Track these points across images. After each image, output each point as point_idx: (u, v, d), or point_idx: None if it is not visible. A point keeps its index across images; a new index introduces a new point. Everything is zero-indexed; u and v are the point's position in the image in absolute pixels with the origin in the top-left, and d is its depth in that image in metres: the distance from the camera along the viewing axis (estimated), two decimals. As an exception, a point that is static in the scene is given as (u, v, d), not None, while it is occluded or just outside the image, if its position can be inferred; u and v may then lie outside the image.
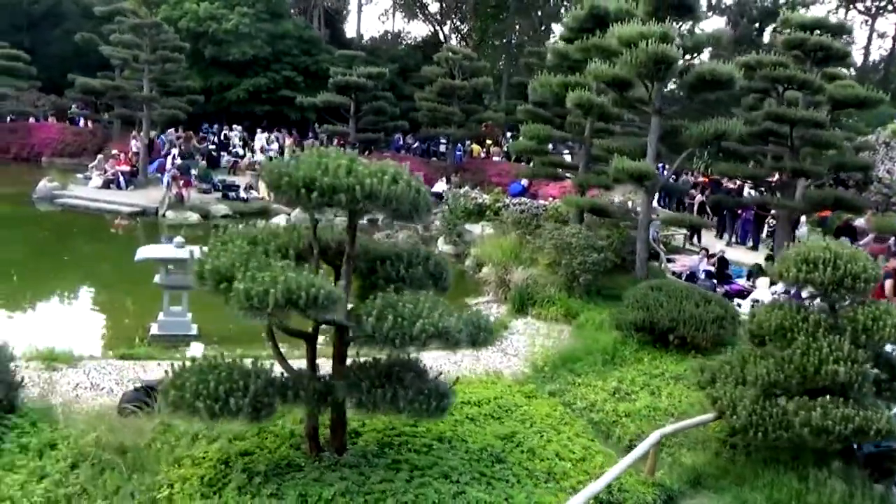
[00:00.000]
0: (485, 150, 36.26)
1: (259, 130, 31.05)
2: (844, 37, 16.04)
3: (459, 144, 32.61)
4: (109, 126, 31.23)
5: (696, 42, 13.32)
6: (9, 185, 24.40)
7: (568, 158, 21.48)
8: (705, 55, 17.89)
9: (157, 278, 10.27)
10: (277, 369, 5.48)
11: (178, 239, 10.40)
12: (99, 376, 8.08)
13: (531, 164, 20.48)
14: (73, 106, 34.42)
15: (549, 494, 5.64)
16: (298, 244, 5.82)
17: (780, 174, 15.28)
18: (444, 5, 44.22)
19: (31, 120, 31.80)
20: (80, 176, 24.41)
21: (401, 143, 34.56)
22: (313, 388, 5.18)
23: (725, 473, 6.70)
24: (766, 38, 35.36)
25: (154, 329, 10.33)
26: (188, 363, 5.19)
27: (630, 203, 17.96)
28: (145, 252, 10.30)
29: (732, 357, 7.26)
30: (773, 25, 34.33)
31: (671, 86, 16.05)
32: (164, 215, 20.05)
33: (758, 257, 17.67)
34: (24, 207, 20.47)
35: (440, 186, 26.04)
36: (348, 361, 5.69)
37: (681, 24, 13.88)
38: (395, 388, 5.06)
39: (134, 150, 25.52)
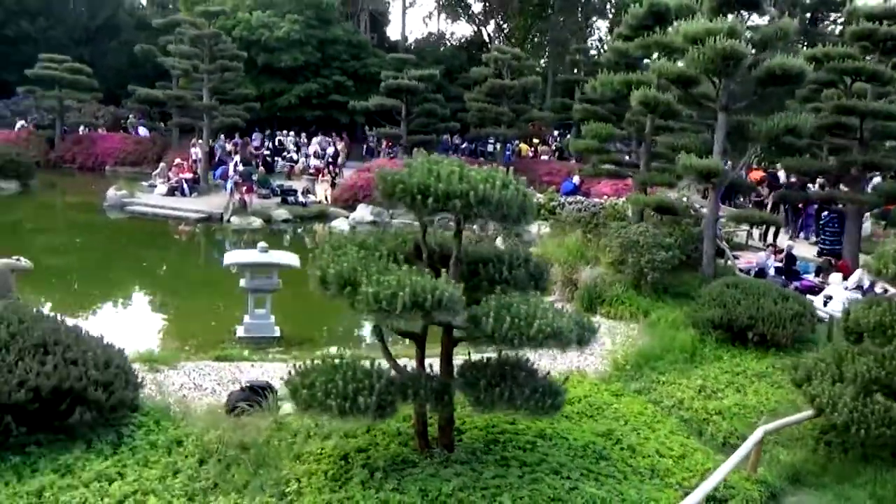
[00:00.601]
0: (532, 149, 36.33)
1: (314, 135, 31.61)
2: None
3: (508, 144, 32.77)
4: (167, 135, 32.19)
5: (764, 36, 13.19)
6: (79, 195, 25.38)
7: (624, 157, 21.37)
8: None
9: (242, 282, 10.63)
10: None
11: (262, 244, 10.75)
12: (199, 377, 8.43)
13: (590, 163, 20.49)
14: (131, 116, 35.55)
15: (656, 490, 5.75)
16: (405, 248, 6.04)
17: (849, 168, 15.02)
18: (487, 5, 44.25)
19: (99, 130, 32.83)
20: (144, 184, 25.19)
21: (448, 143, 34.82)
22: (430, 387, 5.39)
23: (824, 471, 6.72)
24: (820, 27, 34.61)
25: (240, 331, 10.69)
26: (311, 363, 5.43)
27: (685, 199, 17.87)
28: (232, 257, 10.67)
29: (827, 355, 7.26)
30: (835, 16, 33.75)
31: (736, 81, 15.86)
32: (228, 220, 20.59)
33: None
34: (96, 215, 21.26)
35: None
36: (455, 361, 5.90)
37: (747, 18, 13.76)
38: (511, 386, 5.23)
39: (194, 157, 26.27)
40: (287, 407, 7.35)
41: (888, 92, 14.89)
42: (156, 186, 24.65)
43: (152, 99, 28.35)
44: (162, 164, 26.15)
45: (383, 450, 5.92)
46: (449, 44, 46.47)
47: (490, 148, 35.97)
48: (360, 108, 28.10)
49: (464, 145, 36.45)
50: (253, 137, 30.51)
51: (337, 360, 5.36)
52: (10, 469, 5.22)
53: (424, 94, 27.74)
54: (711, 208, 13.86)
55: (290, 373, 5.45)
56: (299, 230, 21.79)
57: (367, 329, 13.04)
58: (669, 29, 13.66)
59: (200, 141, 27.79)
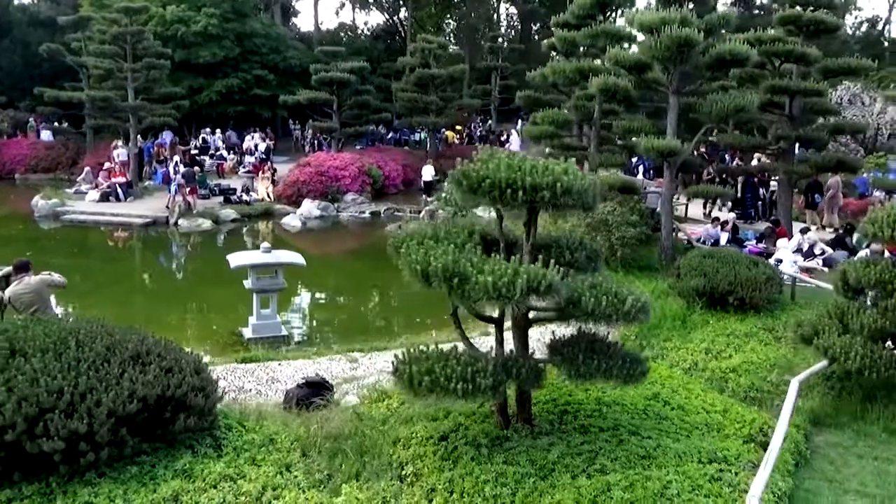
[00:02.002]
0: (458, 136, 36.93)
1: (232, 131, 30.96)
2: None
3: (435, 133, 33.19)
4: (74, 138, 30.49)
5: (709, 24, 14.19)
6: (-2, 206, 23.94)
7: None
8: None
9: (247, 283, 10.63)
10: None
11: (265, 245, 10.78)
12: (235, 379, 8.50)
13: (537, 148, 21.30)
14: (31, 119, 33.57)
15: (720, 441, 6.40)
16: (476, 238, 6.40)
17: (780, 142, 16.37)
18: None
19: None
20: (69, 191, 24.10)
21: (376, 134, 34.84)
22: (529, 365, 5.81)
23: (838, 412, 7.60)
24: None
25: (247, 333, 10.71)
26: (415, 352, 5.72)
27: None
28: (239, 259, 10.63)
29: (829, 310, 8.15)
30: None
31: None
32: (175, 224, 20.07)
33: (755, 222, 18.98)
34: (29, 226, 20.21)
35: (428, 175, 26.57)
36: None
37: (692, 7, 14.73)
38: (604, 358, 5.73)
39: (117, 160, 25.26)
40: (348, 399, 7.62)
41: (810, 72, 16.30)
42: (83, 192, 23.65)
43: (65, 101, 26.83)
44: (87, 169, 25.10)
45: (472, 429, 6.30)
46: (361, 34, 46.33)
47: (415, 137, 36.38)
48: (292, 101, 27.75)
49: (389, 135, 36.66)
50: (163, 137, 29.23)
51: (440, 348, 5.69)
52: (131, 479, 5.26)
53: (356, 86, 27.70)
54: (668, 185, 14.83)
55: (397, 361, 5.72)
56: (245, 228, 21.49)
57: (369, 321, 13.36)
58: (621, 18, 14.44)
59: (121, 143, 26.80)
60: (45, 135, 31.97)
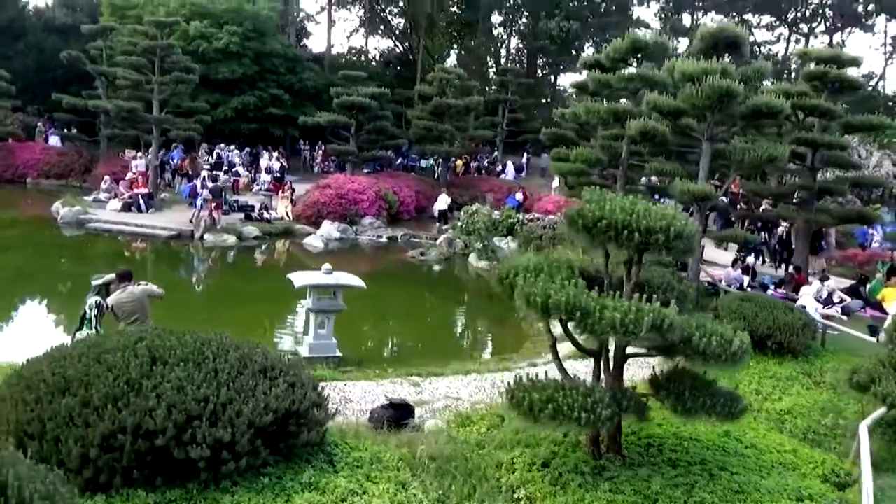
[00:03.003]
0: (465, 165, 37.45)
1: (243, 148, 31.27)
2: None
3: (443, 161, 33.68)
4: (82, 145, 30.57)
5: (745, 76, 14.81)
6: (10, 209, 23.91)
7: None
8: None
9: (307, 303, 10.88)
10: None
11: (326, 266, 11.04)
12: (309, 398, 8.70)
13: (562, 184, 21.88)
14: (39, 124, 33.64)
15: (800, 480, 6.75)
16: (577, 274, 6.75)
17: (802, 191, 17.00)
18: (412, 23, 45.02)
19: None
20: (88, 199, 24.18)
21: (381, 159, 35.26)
22: (635, 399, 6.14)
23: (894, 457, 8.00)
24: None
25: (304, 352, 10.92)
26: (526, 380, 6.03)
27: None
28: (301, 279, 10.87)
29: (881, 360, 8.57)
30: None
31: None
32: (201, 238, 20.23)
33: (771, 268, 19.50)
34: (53, 232, 20.28)
35: (443, 203, 26.99)
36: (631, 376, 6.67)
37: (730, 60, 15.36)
38: (705, 396, 6.08)
39: (134, 170, 25.41)
40: (431, 423, 7.88)
41: (830, 126, 17.00)
42: (103, 201, 23.76)
43: (81, 108, 26.92)
44: (107, 178, 25.16)
45: (569, 457, 6.59)
46: (373, 59, 46.96)
47: (423, 164, 36.87)
48: (311, 122, 28.13)
49: (398, 161, 37.08)
50: (172, 152, 29.31)
51: (552, 379, 6.01)
52: (265, 489, 5.48)
53: (375, 111, 28.16)
54: (697, 228, 15.30)
55: (513, 389, 6.02)
56: (265, 246, 21.71)
57: (412, 345, 13.61)
58: (665, 65, 15.00)
59: (140, 154, 27.00)
60: (53, 140, 32.06)
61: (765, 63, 14.98)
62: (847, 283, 17.57)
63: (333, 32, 68.77)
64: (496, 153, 39.37)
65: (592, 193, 6.66)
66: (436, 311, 16.77)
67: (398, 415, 7.70)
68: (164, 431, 5.23)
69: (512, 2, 43.95)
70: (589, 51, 47.34)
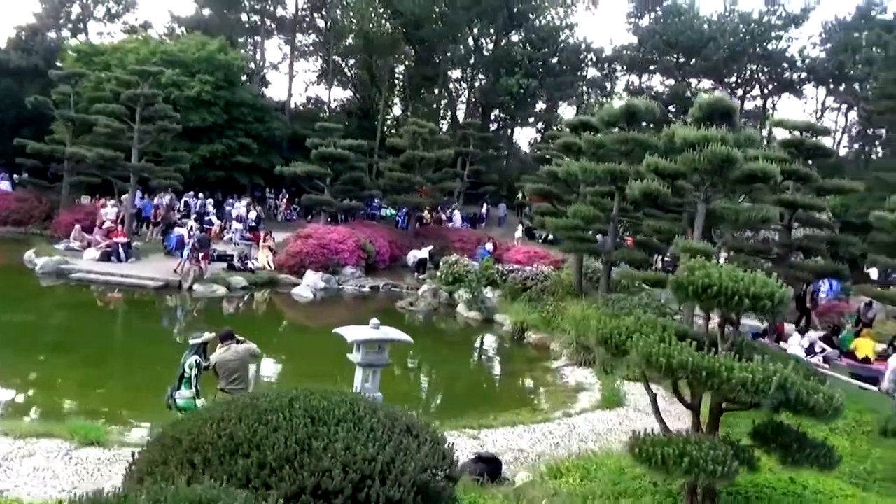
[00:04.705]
0: (431, 215, 38.11)
1: (200, 197, 31.07)
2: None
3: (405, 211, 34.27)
4: (35, 190, 29.70)
5: (737, 142, 16.01)
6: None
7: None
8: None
9: (354, 357, 11.02)
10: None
11: (374, 321, 11.21)
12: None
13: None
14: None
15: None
16: (672, 334, 7.29)
17: (780, 248, 18.28)
18: (374, 77, 45.94)
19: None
20: (59, 247, 23.45)
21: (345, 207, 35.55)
22: (744, 451, 6.65)
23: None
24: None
25: (351, 406, 11.02)
26: (651, 432, 6.47)
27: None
28: (351, 334, 11.01)
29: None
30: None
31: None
32: (190, 289, 19.95)
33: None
34: (33, 283, 19.61)
35: (424, 253, 27.43)
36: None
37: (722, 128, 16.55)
38: (810, 448, 6.65)
39: (104, 218, 24.93)
40: (522, 475, 8.19)
41: (801, 188, 18.40)
42: (75, 250, 23.15)
43: (80, 157, 26.17)
44: (77, 227, 24.51)
45: (675, 507, 7.03)
46: (334, 109, 47.49)
47: (384, 213, 37.37)
48: (288, 172, 28.30)
49: (362, 212, 37.43)
50: (146, 201, 28.81)
51: (676, 434, 6.47)
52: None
53: (352, 162, 28.57)
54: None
55: (633, 443, 6.45)
56: (253, 295, 21.59)
57: (443, 396, 13.78)
58: (664, 130, 16.07)
59: (113, 201, 26.51)
60: (4, 185, 31.09)
61: (754, 132, 16.22)
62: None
63: (294, 82, 69.52)
64: (456, 204, 40.25)
65: (695, 262, 7.21)
66: (450, 363, 17.03)
67: (490, 468, 7.98)
68: (341, 491, 5.40)
69: (473, 59, 45.48)
70: (540, 106, 49.34)
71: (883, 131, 43.19)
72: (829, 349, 17.03)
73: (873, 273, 25.06)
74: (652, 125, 19.89)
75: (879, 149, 44.54)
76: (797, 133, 17.93)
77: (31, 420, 8.83)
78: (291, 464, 5.49)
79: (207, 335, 7.89)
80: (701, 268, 7.03)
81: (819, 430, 11.04)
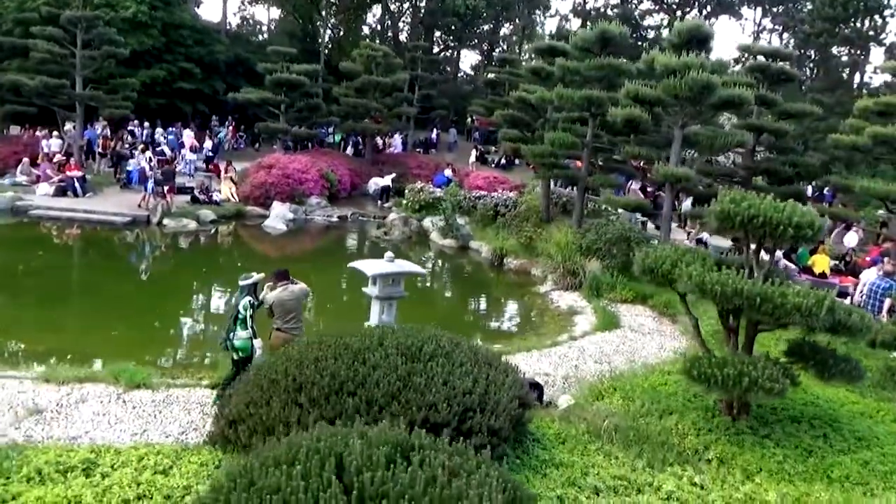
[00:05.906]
0: (382, 143, 37.59)
1: (187, 128, 29.90)
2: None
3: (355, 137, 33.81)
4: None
5: (712, 69, 16.40)
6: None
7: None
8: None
9: (370, 290, 11.14)
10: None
11: (389, 254, 11.32)
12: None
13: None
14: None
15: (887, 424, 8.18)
16: (712, 263, 7.74)
17: (744, 171, 19.08)
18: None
19: None
20: (4, 182, 22.24)
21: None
22: (784, 368, 7.23)
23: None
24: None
25: (368, 338, 11.22)
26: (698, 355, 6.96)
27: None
28: (369, 268, 11.08)
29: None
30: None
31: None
32: (159, 223, 19.41)
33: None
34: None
35: (386, 181, 27.29)
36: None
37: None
38: (843, 363, 7.28)
39: (46, 150, 23.73)
40: (565, 398, 8.65)
41: (765, 113, 19.11)
42: (24, 185, 21.99)
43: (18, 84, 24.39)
44: (24, 160, 23.21)
45: (714, 421, 7.59)
46: (270, 31, 45.51)
47: (330, 139, 36.66)
48: (241, 99, 27.30)
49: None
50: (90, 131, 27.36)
51: (729, 356, 6.97)
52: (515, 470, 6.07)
53: (307, 88, 27.76)
54: (668, 206, 16.90)
55: (688, 365, 6.93)
56: (217, 230, 21.17)
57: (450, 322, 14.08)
58: (643, 56, 16.25)
59: (56, 133, 25.12)
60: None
61: (726, 60, 16.63)
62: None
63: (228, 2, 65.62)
64: (408, 130, 39.80)
65: (734, 194, 7.58)
66: (442, 291, 17.25)
67: (538, 393, 8.39)
68: (448, 424, 5.68)
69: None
70: (485, 28, 48.60)
71: (814, 53, 44.67)
72: (790, 265, 18.12)
73: (808, 191, 26.47)
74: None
75: (812, 72, 46.08)
76: (762, 58, 18.49)
77: (66, 365, 8.66)
78: (398, 399, 5.71)
79: (256, 276, 7.85)
80: (742, 199, 7.41)
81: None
